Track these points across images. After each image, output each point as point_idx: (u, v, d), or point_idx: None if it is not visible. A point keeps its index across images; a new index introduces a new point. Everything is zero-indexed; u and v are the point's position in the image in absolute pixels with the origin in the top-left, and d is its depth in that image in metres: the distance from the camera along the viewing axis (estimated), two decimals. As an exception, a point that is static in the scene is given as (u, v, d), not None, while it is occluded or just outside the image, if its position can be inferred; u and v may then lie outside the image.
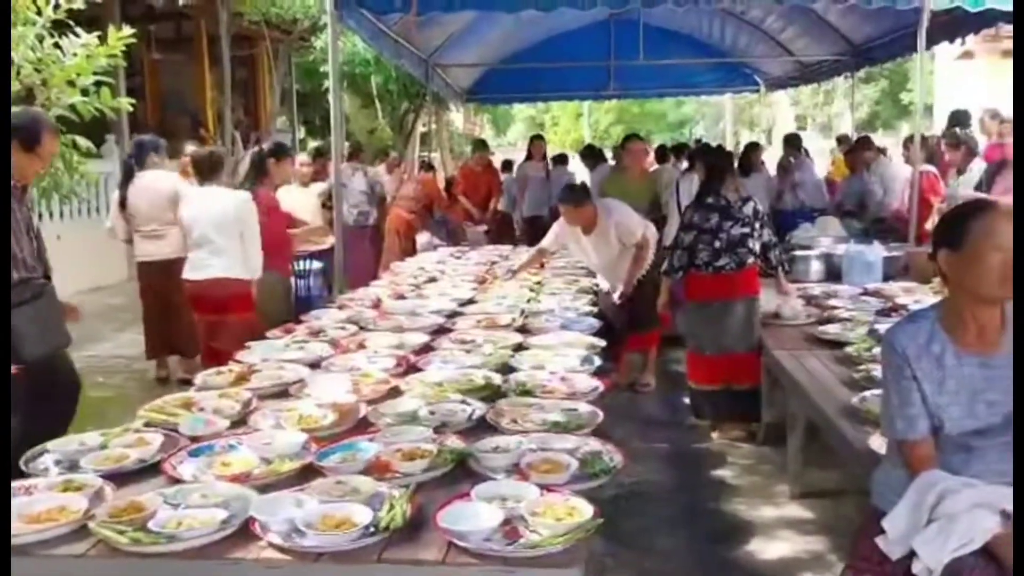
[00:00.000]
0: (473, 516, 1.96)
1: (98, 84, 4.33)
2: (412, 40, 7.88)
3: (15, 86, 4.24)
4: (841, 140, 11.92)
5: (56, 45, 4.38)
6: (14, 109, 3.49)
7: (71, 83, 4.41)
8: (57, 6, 4.36)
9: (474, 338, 3.74)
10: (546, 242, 5.36)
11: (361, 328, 4.03)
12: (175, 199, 5.29)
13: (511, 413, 2.69)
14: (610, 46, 10.54)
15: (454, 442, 2.42)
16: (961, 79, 15.50)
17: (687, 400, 5.05)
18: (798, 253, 5.82)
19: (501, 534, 1.91)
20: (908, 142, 7.42)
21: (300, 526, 1.91)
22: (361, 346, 3.66)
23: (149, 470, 2.33)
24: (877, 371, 3.01)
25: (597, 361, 3.33)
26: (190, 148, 6.56)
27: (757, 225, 4.67)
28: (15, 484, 2.17)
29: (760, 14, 9.59)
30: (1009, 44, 14.25)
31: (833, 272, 5.59)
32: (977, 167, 6.06)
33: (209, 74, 13.00)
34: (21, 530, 1.94)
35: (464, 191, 9.34)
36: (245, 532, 1.94)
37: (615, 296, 5.22)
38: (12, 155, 3.25)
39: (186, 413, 2.74)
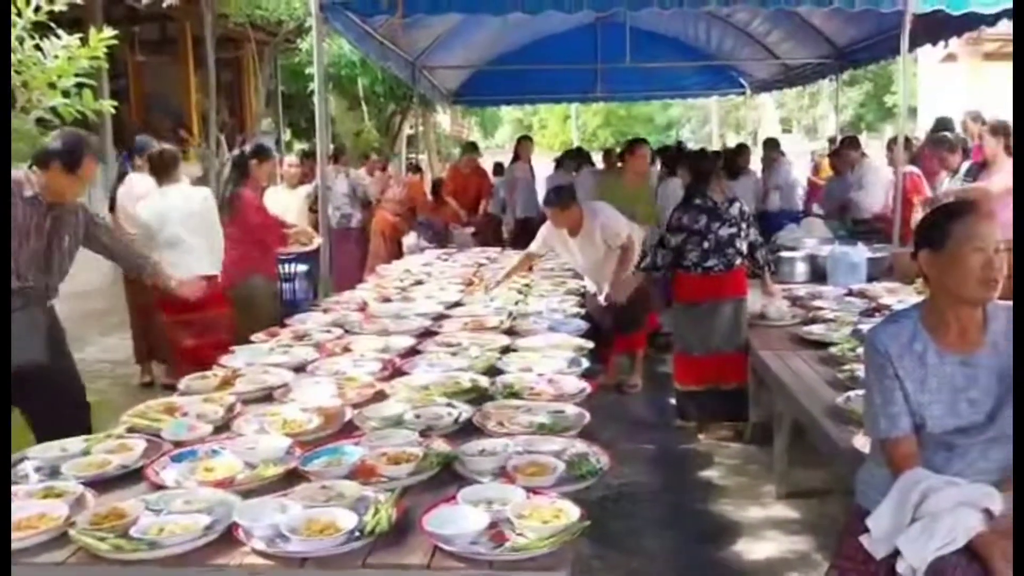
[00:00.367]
0: (459, 519, 1.96)
1: (80, 86, 4.29)
2: (398, 42, 7.87)
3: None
4: (833, 142, 11.98)
5: (37, 47, 4.34)
6: (60, 130, 3.58)
7: (52, 85, 4.37)
8: (38, 8, 4.32)
9: (460, 341, 3.74)
10: (534, 246, 5.35)
11: (346, 331, 4.02)
12: None
13: (497, 416, 2.68)
14: (596, 49, 10.57)
15: (440, 445, 2.42)
16: (944, 82, 15.61)
17: (674, 401, 5.06)
18: (783, 254, 5.85)
19: (487, 537, 1.91)
20: (892, 144, 7.47)
21: (284, 531, 1.90)
22: (346, 349, 3.65)
23: (131, 476, 2.31)
24: (861, 371, 3.01)
25: (584, 363, 3.33)
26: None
27: (744, 225, 4.70)
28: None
29: (745, 17, 9.63)
30: (991, 47, 14.42)
31: (818, 273, 5.62)
32: (964, 168, 6.14)
33: (194, 76, 12.92)
34: (0, 537, 1.92)
35: (453, 193, 9.33)
36: (228, 538, 1.92)
37: (601, 298, 5.23)
38: (52, 175, 3.36)
39: (169, 418, 2.72)
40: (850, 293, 5.04)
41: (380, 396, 2.96)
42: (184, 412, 2.78)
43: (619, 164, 8.03)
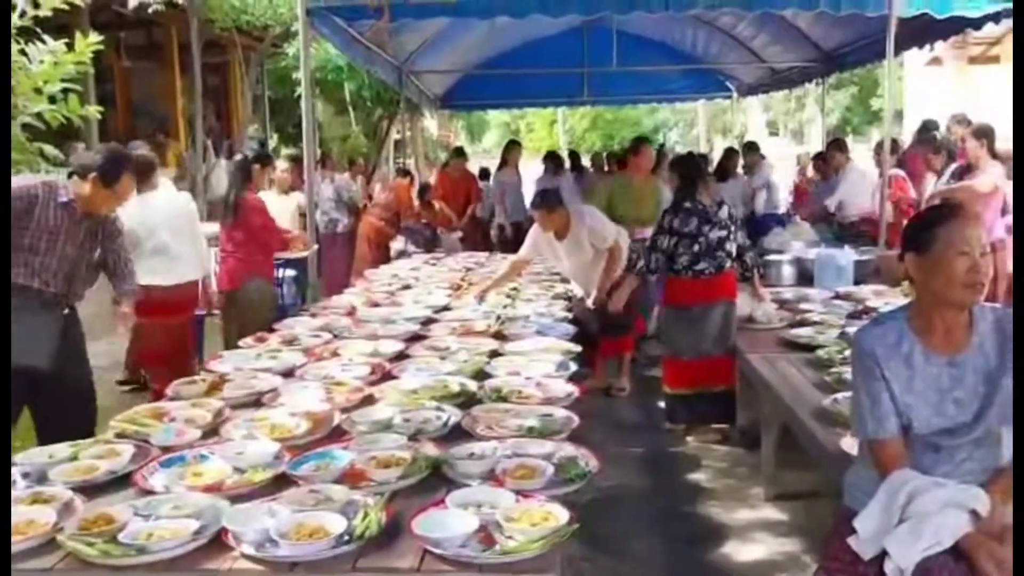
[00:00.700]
0: (448, 523, 1.96)
1: (66, 92, 4.27)
2: (385, 47, 7.85)
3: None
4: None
5: (22, 52, 4.32)
6: (101, 144, 3.60)
7: (38, 91, 4.35)
8: (23, 13, 4.30)
9: (449, 345, 3.74)
10: (523, 252, 5.33)
11: (335, 336, 4.02)
12: None
13: (486, 419, 2.69)
14: (583, 53, 10.59)
15: (429, 449, 2.42)
16: (930, 85, 15.72)
17: (662, 404, 5.07)
18: (771, 257, 5.88)
19: (476, 540, 1.91)
20: (879, 147, 7.53)
21: (273, 536, 1.90)
22: (335, 354, 3.64)
23: (120, 481, 2.31)
24: (848, 374, 3.03)
25: (572, 366, 3.34)
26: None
27: (732, 228, 4.72)
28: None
29: (732, 21, 9.66)
30: (976, 51, 14.54)
31: (805, 276, 5.65)
32: (949, 171, 6.22)
33: (180, 81, 12.88)
34: (-13, 544, 1.90)
35: (443, 196, 9.32)
36: (217, 543, 1.92)
37: (589, 301, 5.23)
38: (91, 188, 3.40)
39: (157, 423, 2.71)
40: (837, 296, 5.07)
41: (369, 400, 2.97)
42: (172, 417, 2.77)
43: (615, 168, 8.03)
